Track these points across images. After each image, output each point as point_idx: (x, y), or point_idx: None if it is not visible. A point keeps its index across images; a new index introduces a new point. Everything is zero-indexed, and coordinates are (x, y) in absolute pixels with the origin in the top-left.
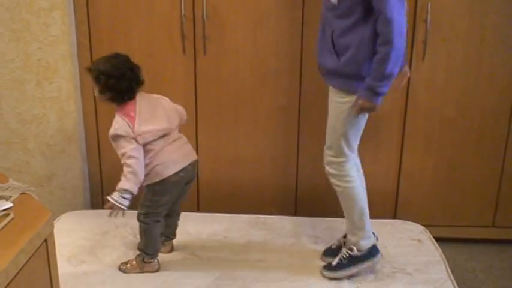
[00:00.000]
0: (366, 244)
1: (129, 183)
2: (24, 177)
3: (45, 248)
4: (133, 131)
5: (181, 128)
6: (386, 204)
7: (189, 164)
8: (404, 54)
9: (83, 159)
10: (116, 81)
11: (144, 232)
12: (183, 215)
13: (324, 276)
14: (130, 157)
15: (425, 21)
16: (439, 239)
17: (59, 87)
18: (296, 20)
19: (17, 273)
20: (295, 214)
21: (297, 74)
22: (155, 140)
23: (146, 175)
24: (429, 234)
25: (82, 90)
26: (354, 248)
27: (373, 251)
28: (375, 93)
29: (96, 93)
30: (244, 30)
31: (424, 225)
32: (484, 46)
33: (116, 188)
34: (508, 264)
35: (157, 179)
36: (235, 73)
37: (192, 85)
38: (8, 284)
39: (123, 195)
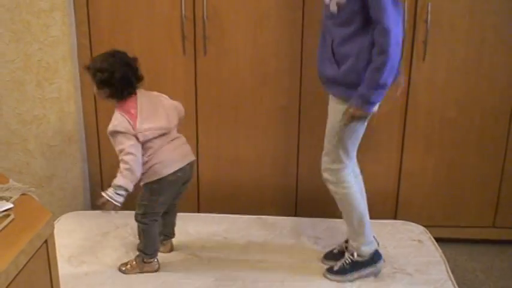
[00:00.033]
0: (367, 250)
1: (124, 179)
2: (25, 178)
3: (46, 248)
4: (133, 128)
5: (182, 127)
6: (387, 205)
7: (187, 164)
8: (399, 64)
9: (83, 160)
10: (113, 76)
11: (143, 232)
12: (183, 215)
13: (327, 278)
14: (128, 154)
15: (426, 21)
16: (439, 240)
17: (59, 88)
18: (296, 20)
19: (17, 274)
20: (296, 214)
21: (297, 74)
22: (155, 138)
23: (144, 173)
24: (429, 234)
25: (82, 91)
26: (355, 253)
27: (375, 257)
28: (367, 102)
29: (95, 90)
30: (245, 31)
31: (424, 226)
32: (484, 46)
33: (112, 184)
34: (508, 265)
35: (155, 178)
36: (236, 73)
37: (192, 85)
38: (8, 285)
39: (118, 192)
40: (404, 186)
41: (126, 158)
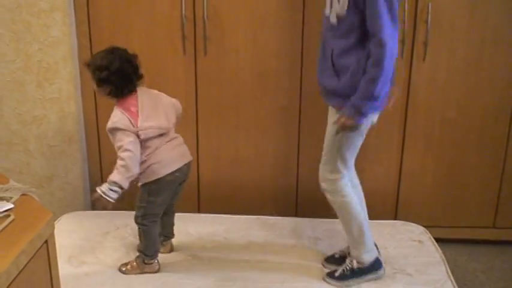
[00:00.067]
0: (368, 258)
1: (119, 175)
2: (25, 178)
3: (46, 249)
4: (135, 126)
5: (182, 128)
6: (387, 205)
7: (185, 164)
8: (393, 76)
9: (84, 160)
10: (114, 74)
11: (143, 233)
12: (183, 215)
13: (327, 282)
14: (125, 150)
15: (426, 21)
16: (439, 240)
17: (59, 88)
18: (296, 20)
19: (17, 275)
20: (296, 215)
21: (298, 74)
22: (154, 137)
23: (142, 173)
24: (429, 235)
25: (82, 91)
26: (354, 261)
27: (376, 265)
28: (359, 113)
29: (95, 87)
30: (245, 31)
31: (424, 226)
32: (485, 46)
33: (107, 180)
34: (509, 265)
35: (153, 178)
36: (236, 73)
37: (192, 85)
38: (8, 285)
39: (112, 188)
40: (404, 187)
41: (123, 154)
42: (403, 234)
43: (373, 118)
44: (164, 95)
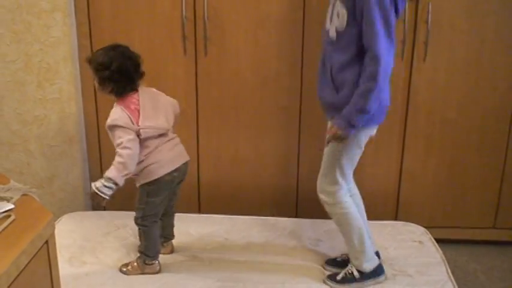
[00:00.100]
0: (369, 266)
1: (115, 172)
2: (26, 179)
3: (46, 249)
4: (134, 124)
5: (183, 128)
6: (387, 206)
7: (183, 164)
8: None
9: (84, 160)
10: (115, 72)
11: (144, 234)
12: (184, 216)
13: (327, 285)
14: (124, 148)
15: (426, 22)
16: (439, 241)
17: (59, 89)
18: (297, 21)
19: (18, 275)
20: (296, 216)
21: (298, 74)
22: (153, 137)
23: (140, 174)
24: (430, 235)
25: (83, 92)
26: (355, 269)
27: (378, 270)
28: (350, 125)
29: (97, 85)
30: (245, 31)
31: (425, 227)
32: (485, 47)
33: (103, 176)
34: (509, 266)
35: (151, 178)
36: (236, 74)
37: (193, 86)
38: (9, 286)
39: (106, 184)
40: (405, 187)
41: (122, 151)
42: (403, 234)
43: (371, 132)
44: (163, 94)
